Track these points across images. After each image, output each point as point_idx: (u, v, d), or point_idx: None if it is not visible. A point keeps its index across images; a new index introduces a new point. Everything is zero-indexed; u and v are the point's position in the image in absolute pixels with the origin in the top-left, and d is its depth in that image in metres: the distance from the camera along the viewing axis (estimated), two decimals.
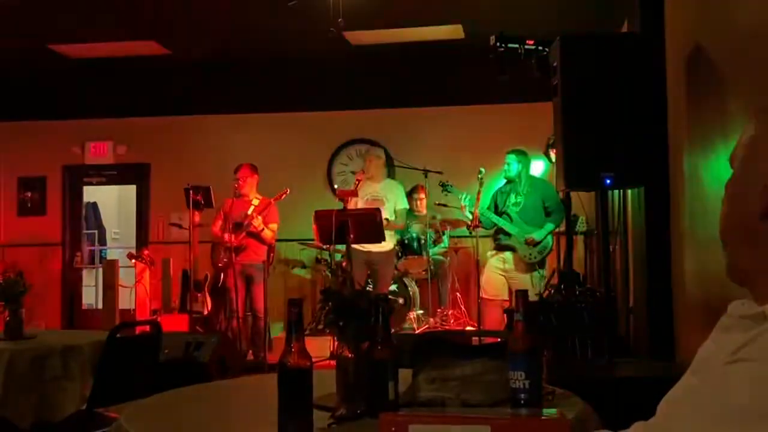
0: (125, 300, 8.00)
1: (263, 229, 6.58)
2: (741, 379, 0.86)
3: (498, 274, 6.20)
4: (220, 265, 6.76)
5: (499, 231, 6.21)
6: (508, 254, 6.17)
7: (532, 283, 5.88)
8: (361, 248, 6.67)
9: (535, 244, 6.05)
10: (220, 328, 6.94)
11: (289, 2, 5.04)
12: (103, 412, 3.36)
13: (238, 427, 1.78)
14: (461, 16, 6.11)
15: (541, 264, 6.15)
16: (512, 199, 6.20)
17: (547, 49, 3.86)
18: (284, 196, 6.61)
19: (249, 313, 6.77)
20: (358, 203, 6.79)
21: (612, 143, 3.46)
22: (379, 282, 6.83)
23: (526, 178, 6.22)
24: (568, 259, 5.35)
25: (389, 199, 6.95)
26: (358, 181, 6.82)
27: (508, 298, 6.16)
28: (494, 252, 6.32)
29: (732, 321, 1.02)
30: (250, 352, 6.61)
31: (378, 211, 6.39)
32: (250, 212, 6.62)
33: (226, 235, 6.50)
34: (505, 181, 6.36)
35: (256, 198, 6.73)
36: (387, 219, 6.63)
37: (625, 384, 3.01)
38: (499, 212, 6.22)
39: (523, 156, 6.25)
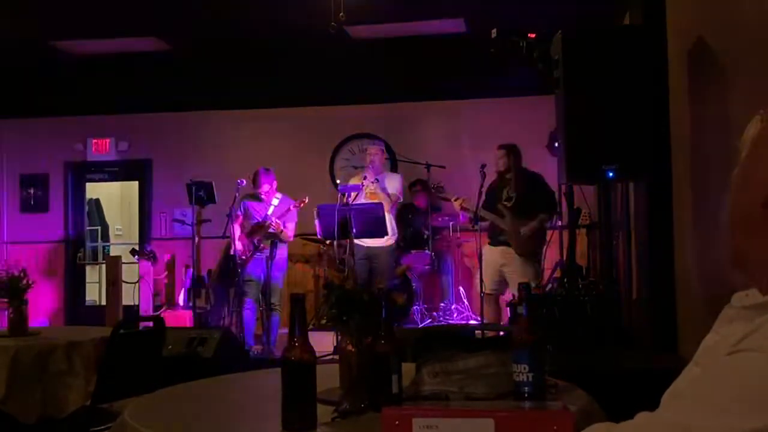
0: (129, 296, 8.01)
1: (282, 231, 6.58)
2: (743, 369, 0.86)
3: (495, 268, 6.19)
4: (243, 257, 6.70)
5: (494, 226, 6.20)
6: (504, 249, 6.14)
7: (529, 276, 5.85)
8: (360, 243, 6.67)
9: (529, 236, 6.02)
10: (223, 324, 6.94)
11: None
12: (107, 407, 3.37)
13: (241, 421, 1.78)
14: (463, 9, 6.10)
15: (538, 256, 6.12)
16: (504, 194, 6.18)
17: (549, 42, 3.84)
18: (303, 204, 6.60)
19: (262, 308, 6.77)
20: (360, 197, 6.79)
21: (614, 136, 3.45)
22: (379, 277, 6.83)
23: (516, 172, 6.19)
24: (570, 253, 5.33)
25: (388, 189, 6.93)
26: (365, 177, 6.82)
27: (506, 293, 6.16)
28: (490, 247, 6.30)
29: (735, 312, 1.02)
30: (254, 347, 6.62)
31: (381, 205, 6.39)
32: (270, 212, 6.63)
33: (255, 241, 6.55)
34: (496, 176, 6.34)
35: (276, 198, 6.72)
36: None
37: (628, 376, 3.00)
38: (492, 207, 6.19)
39: (513, 150, 6.21)
